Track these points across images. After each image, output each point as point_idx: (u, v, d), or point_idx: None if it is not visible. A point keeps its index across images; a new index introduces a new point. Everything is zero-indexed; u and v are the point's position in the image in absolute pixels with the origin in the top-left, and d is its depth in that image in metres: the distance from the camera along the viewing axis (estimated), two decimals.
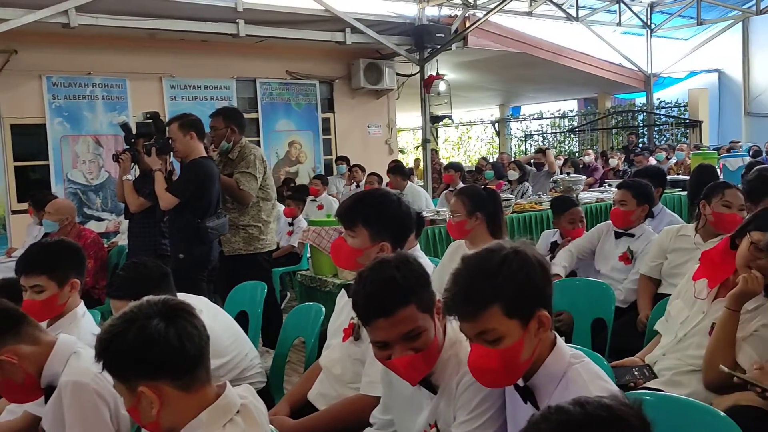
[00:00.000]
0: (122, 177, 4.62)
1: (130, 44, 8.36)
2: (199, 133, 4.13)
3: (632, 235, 3.89)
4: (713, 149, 11.23)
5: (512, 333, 1.53)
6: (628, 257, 3.85)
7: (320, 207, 7.49)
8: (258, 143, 9.31)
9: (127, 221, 4.87)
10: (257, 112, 9.79)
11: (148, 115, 4.32)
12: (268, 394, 2.84)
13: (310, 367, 2.65)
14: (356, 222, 2.35)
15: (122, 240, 5.98)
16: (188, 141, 4.08)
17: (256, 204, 4.52)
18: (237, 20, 8.37)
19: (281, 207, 6.57)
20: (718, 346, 2.30)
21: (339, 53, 10.09)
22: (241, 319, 3.32)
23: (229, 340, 2.73)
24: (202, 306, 2.63)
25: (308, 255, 5.55)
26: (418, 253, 3.71)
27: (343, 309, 2.50)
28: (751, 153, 10.99)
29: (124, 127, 4.63)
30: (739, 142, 13.34)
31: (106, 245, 5.61)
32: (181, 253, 4.04)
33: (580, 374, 1.55)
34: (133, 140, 4.60)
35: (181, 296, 2.57)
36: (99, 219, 8.47)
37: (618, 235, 3.94)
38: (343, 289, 2.54)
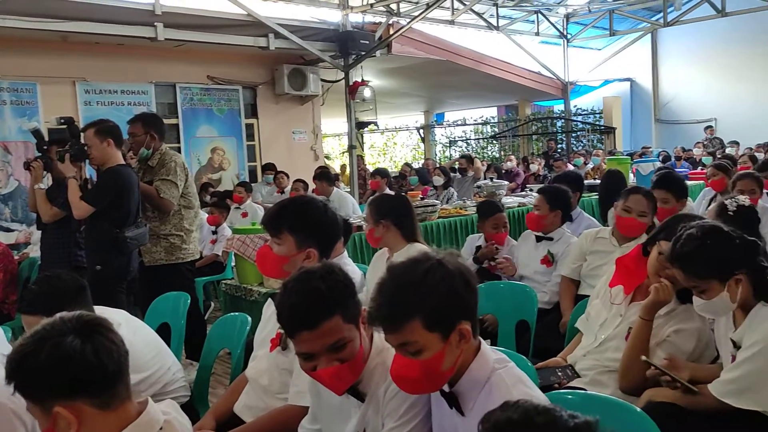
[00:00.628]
0: (34, 186, 4.41)
1: (41, 47, 8.00)
2: (116, 139, 3.99)
3: (551, 239, 4.01)
4: (627, 155, 11.74)
5: (432, 346, 1.54)
6: (549, 260, 3.97)
7: (245, 215, 7.37)
8: (178, 150, 9.08)
9: (40, 232, 4.64)
10: (177, 117, 9.55)
11: (63, 121, 4.13)
12: (193, 408, 2.77)
13: (236, 378, 2.60)
14: (282, 229, 2.33)
15: (34, 251, 5.73)
16: (105, 148, 3.94)
17: (178, 212, 4.40)
18: (155, 24, 8.15)
19: (204, 215, 6.44)
20: (633, 354, 2.39)
21: (262, 58, 9.98)
22: (163, 331, 3.22)
23: (151, 353, 2.65)
24: (121, 319, 2.54)
25: (233, 264, 5.44)
26: (345, 260, 3.70)
27: (270, 319, 2.46)
28: (661, 158, 11.57)
29: (36, 133, 4.40)
30: (650, 147, 14.00)
31: (16, 257, 5.34)
32: (99, 265, 3.89)
33: (503, 379, 1.58)
34: (45, 147, 4.41)
35: (99, 310, 2.48)
36: (8, 230, 8.07)
37: (538, 239, 4.07)
38: (269, 299, 2.49)
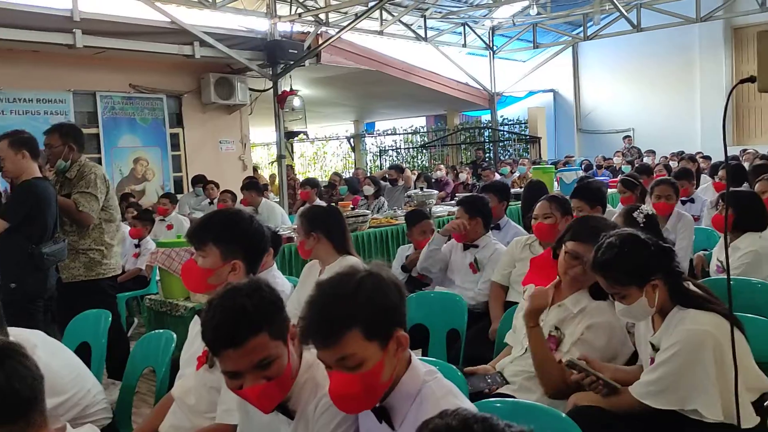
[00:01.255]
0: None
1: None
2: (32, 151, 3.83)
3: (477, 246, 4.11)
4: (551, 163, 12.10)
5: (372, 356, 1.53)
6: (475, 267, 4.07)
7: (170, 227, 7.17)
8: (99, 161, 8.77)
9: None
10: (98, 127, 9.22)
11: None
12: (116, 430, 2.66)
13: (162, 398, 2.51)
14: (206, 241, 2.29)
15: None
16: (20, 160, 3.77)
17: (98, 226, 4.23)
18: (73, 30, 7.85)
19: (126, 228, 6.24)
20: (538, 360, 2.48)
21: (188, 67, 9.76)
22: (83, 351, 3.08)
23: (69, 376, 2.52)
24: (37, 340, 2.42)
25: (157, 278, 5.28)
26: (275, 272, 3.66)
27: (197, 336, 2.37)
28: (583, 167, 11.97)
29: None
30: (572, 156, 14.48)
31: None
32: (13, 282, 3.71)
33: (433, 391, 1.58)
34: None
35: (14, 331, 2.35)
36: None
37: (465, 247, 4.17)
38: (196, 315, 2.42)
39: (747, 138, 14.70)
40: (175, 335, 2.85)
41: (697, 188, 6.85)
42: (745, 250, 3.61)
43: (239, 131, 10.91)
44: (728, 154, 2.00)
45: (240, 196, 7.41)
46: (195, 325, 2.45)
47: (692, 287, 2.27)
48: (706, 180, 8.25)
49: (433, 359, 2.45)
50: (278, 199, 9.84)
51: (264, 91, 10.30)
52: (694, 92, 16.31)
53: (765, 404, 2.17)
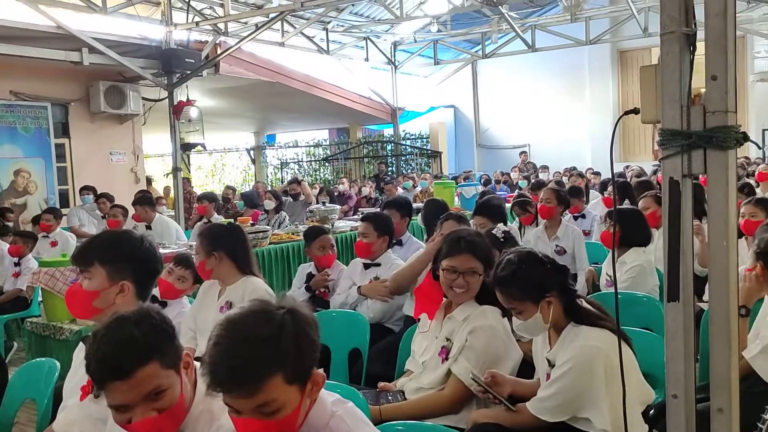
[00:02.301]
0: None
1: None
2: None
3: (378, 264, 4.09)
4: (452, 178, 12.36)
5: (292, 400, 1.44)
6: None
7: (54, 244, 6.73)
8: None
9: None
10: None
11: None
12: None
13: None
14: (92, 261, 2.19)
15: None
16: None
17: None
18: None
19: (5, 245, 5.81)
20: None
21: (75, 74, 9.25)
22: None
23: None
24: None
25: (39, 299, 4.92)
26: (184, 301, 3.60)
27: (82, 364, 2.22)
28: (482, 181, 12.28)
29: None
30: (471, 171, 14.85)
31: None
32: None
33: (344, 420, 1.54)
34: None
35: None
36: None
37: (366, 266, 4.12)
38: (81, 342, 2.27)
39: (631, 155, 15.64)
40: (58, 364, 2.70)
41: (587, 203, 7.17)
42: (631, 264, 3.80)
43: (131, 142, 10.45)
44: (615, 171, 2.08)
45: (132, 211, 7.06)
46: (80, 353, 2.29)
47: (585, 304, 2.34)
48: (595, 195, 8.67)
49: (335, 382, 2.41)
50: (173, 213, 9.46)
51: (158, 101, 9.92)
52: (585, 110, 17.23)
53: (650, 413, 2.33)
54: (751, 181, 7.85)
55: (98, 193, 8.29)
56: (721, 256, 1.43)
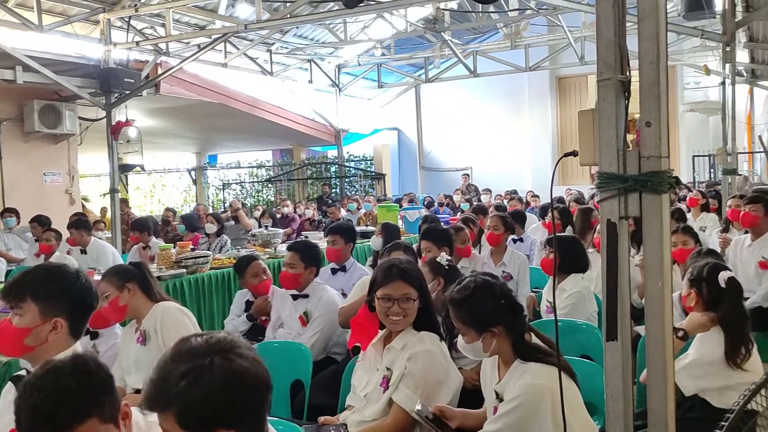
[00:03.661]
0: None
1: None
2: None
3: (307, 296, 3.97)
4: (395, 200, 12.42)
5: None
6: (304, 320, 3.91)
7: None
8: None
9: None
10: None
11: None
12: None
13: None
14: (24, 297, 2.12)
15: None
16: None
17: None
18: None
19: None
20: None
21: (8, 92, 8.92)
22: None
23: None
24: None
25: None
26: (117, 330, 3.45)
27: (9, 406, 2.12)
28: (426, 204, 12.39)
29: None
30: (413, 193, 14.96)
31: None
32: None
33: None
34: None
35: None
36: None
37: (295, 297, 4.01)
38: (10, 382, 2.18)
39: (570, 178, 16.05)
40: None
41: (524, 227, 7.27)
42: (570, 291, 3.88)
43: (66, 162, 10.13)
44: (554, 195, 2.12)
45: (66, 234, 6.81)
46: (8, 393, 2.19)
47: (535, 339, 2.36)
48: (533, 219, 8.83)
49: (276, 418, 2.35)
50: (110, 236, 9.17)
51: (96, 120, 9.65)
52: (525, 134, 17.67)
53: None
54: (683, 206, 8.18)
55: (31, 216, 7.94)
56: (657, 296, 1.47)
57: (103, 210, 12.28)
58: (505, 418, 2.22)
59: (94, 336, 3.50)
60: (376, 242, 5.28)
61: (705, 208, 7.66)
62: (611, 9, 1.43)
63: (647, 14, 1.39)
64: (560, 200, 8.81)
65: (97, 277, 4.54)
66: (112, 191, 9.16)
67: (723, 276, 2.88)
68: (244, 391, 1.39)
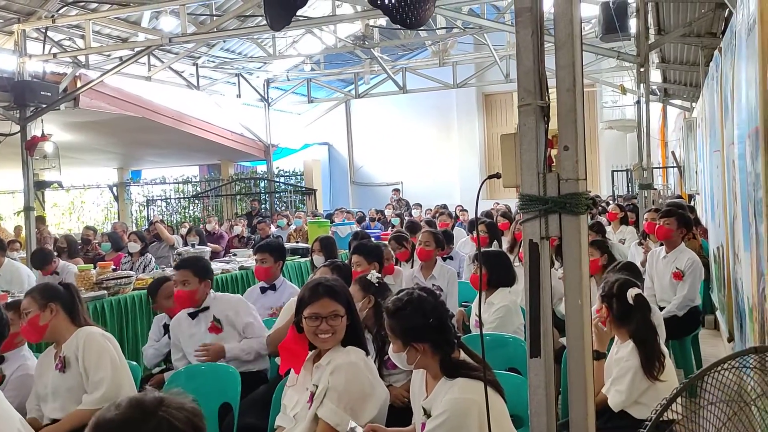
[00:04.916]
0: None
1: None
2: None
3: (207, 308, 3.84)
4: (326, 215, 12.38)
5: None
6: (217, 327, 3.80)
7: None
8: None
9: None
10: None
11: None
12: None
13: None
14: None
15: None
16: None
17: None
18: None
19: None
20: None
21: None
22: None
23: None
24: None
25: None
26: (25, 352, 3.43)
27: None
28: (357, 218, 12.39)
29: None
30: (341, 207, 14.95)
31: None
32: None
33: None
34: None
35: None
36: None
37: (193, 315, 3.86)
38: None
39: (498, 192, 16.41)
40: None
41: (453, 242, 7.37)
42: (498, 305, 3.97)
43: None
44: (483, 209, 2.17)
45: None
46: None
47: (463, 355, 2.40)
48: (462, 233, 8.98)
49: None
50: (24, 256, 8.74)
51: (10, 135, 9.19)
52: (454, 149, 18.01)
53: None
54: (603, 219, 8.50)
55: None
56: (576, 314, 1.52)
57: (18, 229, 11.70)
58: None
59: (0, 361, 3.32)
60: (318, 260, 5.24)
61: (624, 221, 7.99)
62: (530, 39, 1.49)
63: (563, 44, 1.45)
64: (488, 214, 8.98)
65: (10, 300, 4.33)
66: (27, 209, 8.75)
67: (631, 293, 3.00)
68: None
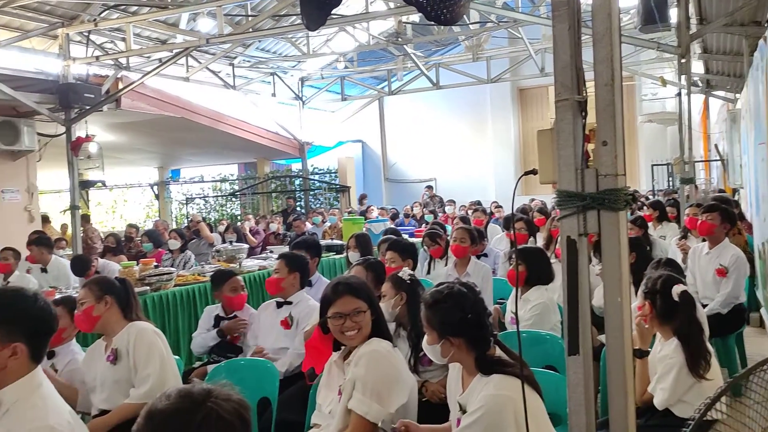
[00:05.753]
0: None
1: None
2: None
3: (291, 303, 4.09)
4: (360, 213, 12.42)
5: None
6: (288, 323, 4.01)
7: None
8: None
9: None
10: None
11: None
12: None
13: None
14: None
15: None
16: None
17: None
18: None
19: None
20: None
21: None
22: None
23: None
24: None
25: None
26: (73, 346, 3.55)
27: None
28: (390, 215, 12.41)
29: None
30: (371, 205, 14.95)
31: None
32: None
33: None
34: None
35: None
36: None
37: (279, 305, 4.10)
38: None
39: (534, 188, 16.24)
40: None
41: (487, 238, 7.32)
42: (535, 302, 3.94)
43: (26, 179, 9.91)
44: (518, 205, 2.16)
45: (25, 253, 6.65)
46: None
47: (499, 351, 2.38)
48: (496, 229, 8.91)
49: None
50: (70, 253, 8.99)
51: (55, 136, 9.46)
52: (488, 145, 17.86)
53: None
54: (643, 213, 8.33)
55: None
56: (615, 311, 1.51)
57: (64, 227, 12.04)
58: (468, 430, 2.23)
59: (51, 355, 3.43)
60: (353, 257, 5.33)
61: (662, 218, 7.76)
62: (567, 32, 1.48)
63: (601, 38, 1.44)
64: (524, 211, 8.90)
65: (58, 296, 4.47)
66: (73, 208, 9.00)
67: (676, 290, 2.94)
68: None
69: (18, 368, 2.07)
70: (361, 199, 15.02)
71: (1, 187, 9.60)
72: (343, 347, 2.74)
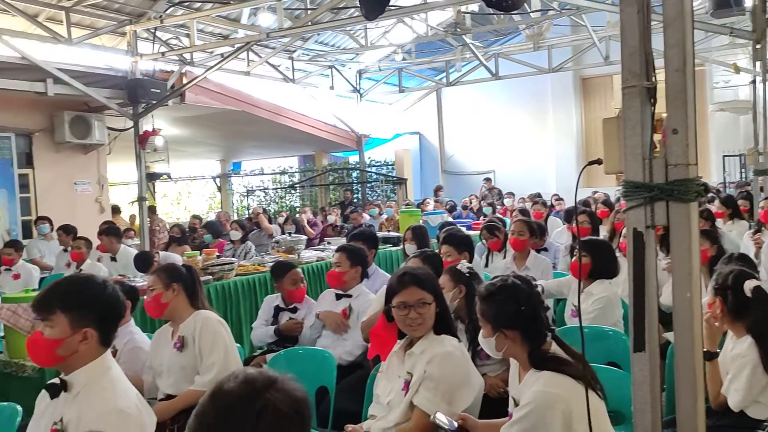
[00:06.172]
0: None
1: None
2: None
3: (350, 296, 4.13)
4: (417, 205, 12.41)
5: None
6: (347, 314, 4.06)
7: (16, 276, 6.58)
8: None
9: None
10: None
11: None
12: None
13: None
14: (53, 309, 2.15)
15: None
16: None
17: None
18: None
19: None
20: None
21: (39, 104, 9.12)
22: None
23: None
24: None
25: (1, 335, 4.75)
26: (132, 328, 3.66)
27: (45, 413, 2.21)
28: (447, 208, 12.35)
29: None
30: (427, 198, 14.86)
31: None
32: None
33: None
34: None
35: None
36: None
37: (338, 297, 4.14)
38: (44, 390, 2.24)
39: (596, 180, 15.87)
40: (20, 408, 2.64)
41: (547, 232, 7.16)
42: (598, 296, 3.83)
43: (96, 172, 10.30)
44: (580, 197, 2.10)
45: (96, 242, 6.92)
46: (42, 400, 2.26)
47: (555, 347, 2.33)
48: (556, 222, 8.72)
49: None
50: (138, 243, 9.30)
51: (124, 130, 9.80)
52: (549, 136, 17.51)
53: None
54: (713, 207, 8.00)
55: (60, 224, 8.10)
56: (685, 307, 1.45)
57: (132, 217, 12.47)
58: (517, 425, 2.20)
59: None
60: (410, 249, 5.33)
61: (734, 215, 7.32)
62: (636, 16, 1.42)
63: (673, 21, 1.38)
64: (585, 203, 8.70)
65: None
66: (140, 199, 9.30)
67: (749, 285, 2.81)
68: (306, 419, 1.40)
69: (88, 352, 2.16)
70: (436, 191, 15.00)
71: (73, 179, 10.00)
72: (405, 337, 2.74)
